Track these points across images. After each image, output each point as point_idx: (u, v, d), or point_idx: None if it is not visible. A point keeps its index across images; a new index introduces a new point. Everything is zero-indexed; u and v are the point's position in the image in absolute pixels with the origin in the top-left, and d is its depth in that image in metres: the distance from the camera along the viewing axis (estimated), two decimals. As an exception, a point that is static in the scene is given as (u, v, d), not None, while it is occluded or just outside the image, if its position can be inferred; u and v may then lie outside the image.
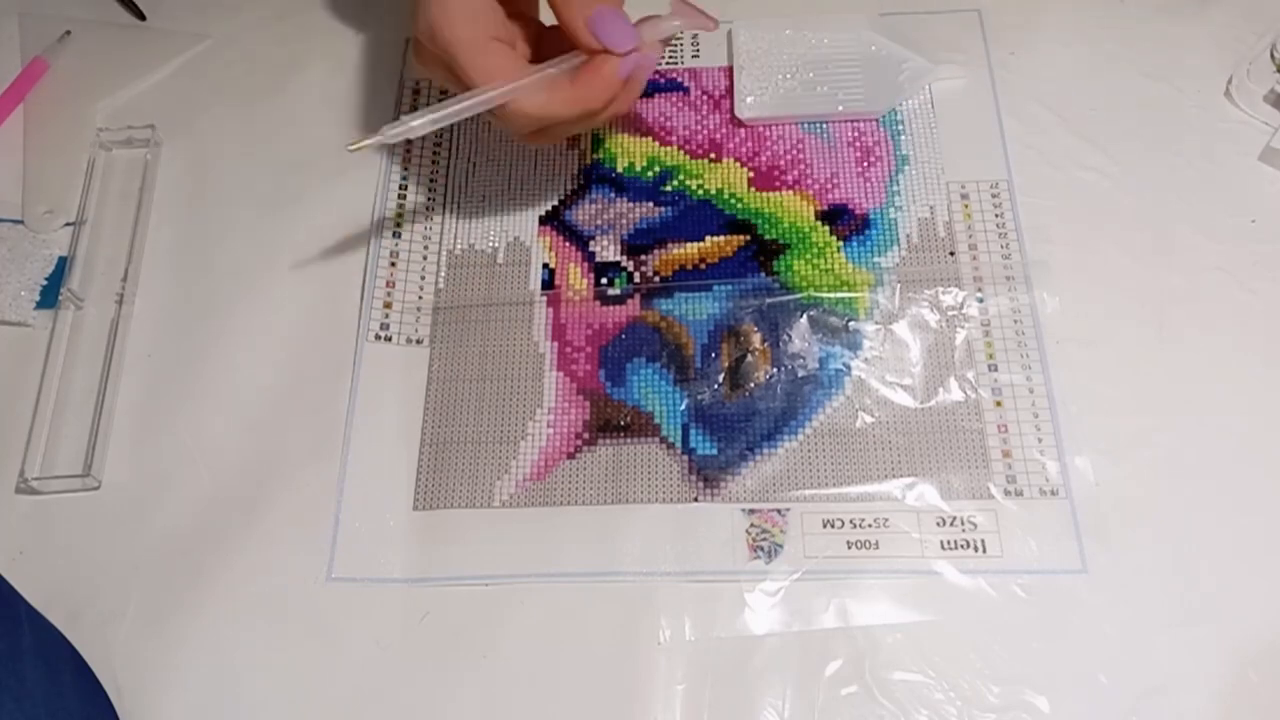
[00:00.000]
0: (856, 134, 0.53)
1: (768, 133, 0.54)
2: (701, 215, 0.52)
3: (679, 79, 0.56)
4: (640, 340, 0.49)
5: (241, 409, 0.48)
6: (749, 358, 0.48)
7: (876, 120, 0.53)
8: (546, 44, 0.46)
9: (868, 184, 0.52)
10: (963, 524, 0.44)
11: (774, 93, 0.54)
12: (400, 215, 0.52)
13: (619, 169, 0.53)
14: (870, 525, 0.44)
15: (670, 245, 0.51)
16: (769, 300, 0.49)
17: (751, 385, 0.47)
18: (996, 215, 0.51)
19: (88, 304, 0.51)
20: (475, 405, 0.48)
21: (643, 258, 0.51)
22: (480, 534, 0.45)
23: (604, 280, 0.50)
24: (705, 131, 0.54)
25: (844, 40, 0.55)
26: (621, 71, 0.43)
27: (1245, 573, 0.42)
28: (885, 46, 0.54)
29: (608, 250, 0.51)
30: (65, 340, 0.50)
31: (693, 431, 0.47)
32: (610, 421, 0.47)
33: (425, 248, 0.52)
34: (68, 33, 0.58)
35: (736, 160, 0.53)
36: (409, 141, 0.54)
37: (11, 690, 0.37)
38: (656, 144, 0.54)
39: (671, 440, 0.46)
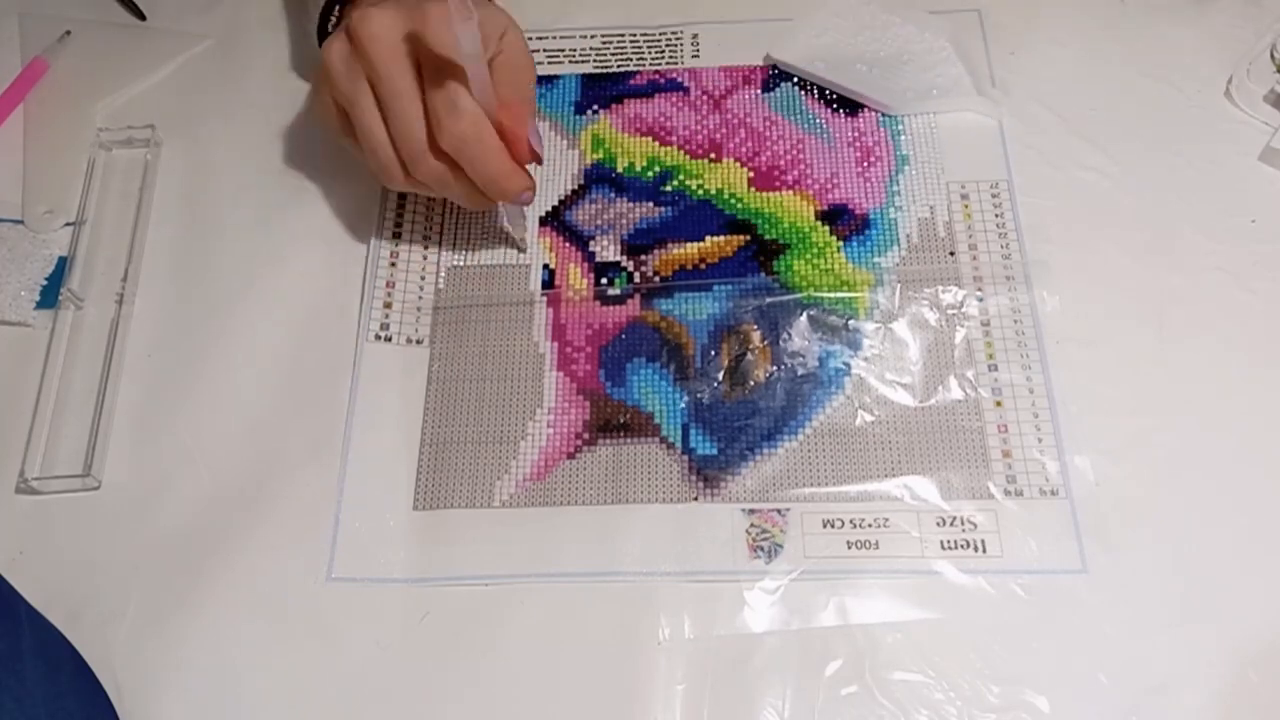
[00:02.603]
0: (856, 134, 0.53)
1: (768, 132, 0.54)
2: (701, 215, 0.52)
3: (679, 79, 0.56)
4: (640, 340, 0.49)
5: (241, 409, 0.48)
6: (749, 357, 0.48)
7: (876, 119, 0.53)
8: None
9: (868, 184, 0.52)
10: (963, 524, 0.44)
11: (813, 47, 0.54)
12: (400, 215, 0.52)
13: (619, 169, 0.53)
14: (870, 525, 0.44)
15: (670, 245, 0.51)
16: (769, 300, 0.49)
17: (751, 385, 0.47)
18: (996, 215, 0.51)
19: (88, 304, 0.51)
20: (475, 405, 0.48)
21: (643, 258, 0.51)
22: (480, 534, 0.45)
23: (604, 280, 0.50)
24: (705, 131, 0.54)
25: (914, 33, 0.55)
26: (524, 195, 0.46)
27: (1245, 573, 0.42)
28: (948, 56, 0.54)
29: (608, 250, 0.51)
30: (65, 340, 0.50)
31: (693, 431, 0.47)
32: (610, 421, 0.47)
33: (425, 248, 0.52)
34: (68, 33, 0.58)
35: (736, 160, 0.53)
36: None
37: (11, 690, 0.37)
38: (656, 144, 0.54)
39: (671, 440, 0.46)
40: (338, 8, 0.50)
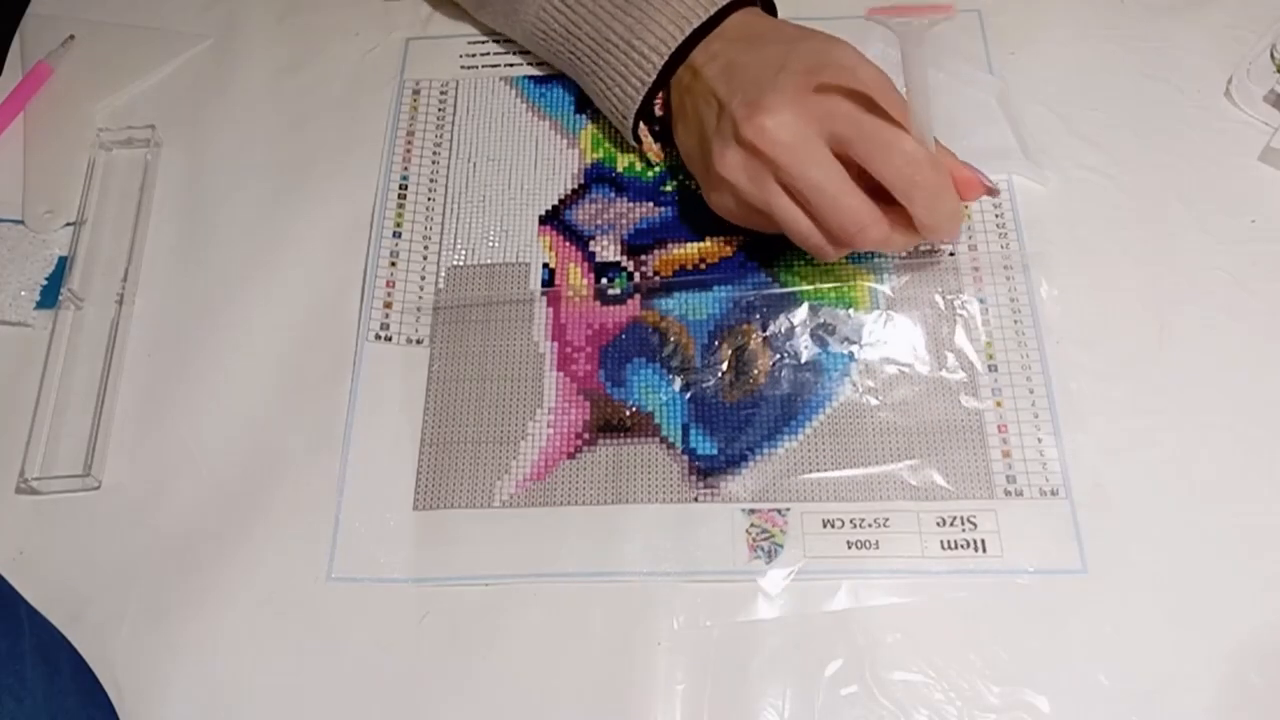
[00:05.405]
0: (856, 134, 0.53)
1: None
2: (701, 215, 0.52)
3: (679, 79, 0.56)
4: (640, 340, 0.49)
5: (242, 409, 0.48)
6: (749, 357, 0.48)
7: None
8: None
9: (868, 184, 0.52)
10: (963, 524, 0.44)
11: None
12: (400, 215, 0.52)
13: (619, 169, 0.53)
14: (870, 525, 0.44)
15: (670, 245, 0.51)
16: (769, 300, 0.49)
17: (751, 385, 0.47)
18: (996, 215, 0.51)
19: (88, 304, 0.51)
20: (475, 405, 0.48)
21: (643, 257, 0.51)
22: (480, 534, 0.45)
23: (604, 280, 0.50)
24: (705, 131, 0.54)
25: (960, 92, 0.53)
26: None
27: (1245, 573, 0.42)
28: (996, 117, 0.52)
29: (608, 250, 0.51)
30: (65, 340, 0.50)
31: (693, 431, 0.47)
32: (610, 421, 0.47)
33: (425, 248, 0.52)
34: (71, 37, 0.58)
35: (736, 160, 0.53)
36: (409, 141, 0.54)
37: (12, 690, 0.37)
38: (656, 144, 0.54)
39: (671, 440, 0.46)
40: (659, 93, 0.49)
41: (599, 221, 0.52)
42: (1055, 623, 0.42)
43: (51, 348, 0.50)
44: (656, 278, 0.50)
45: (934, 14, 0.37)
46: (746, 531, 0.44)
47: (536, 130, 0.55)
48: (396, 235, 0.52)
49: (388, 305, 0.50)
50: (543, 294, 0.50)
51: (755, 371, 0.48)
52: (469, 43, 0.58)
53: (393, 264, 0.51)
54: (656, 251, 0.51)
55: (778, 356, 0.48)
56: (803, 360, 0.47)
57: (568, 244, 0.52)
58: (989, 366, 0.47)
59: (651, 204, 0.52)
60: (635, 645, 0.42)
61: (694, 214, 0.52)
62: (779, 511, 0.45)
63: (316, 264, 0.52)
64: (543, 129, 0.55)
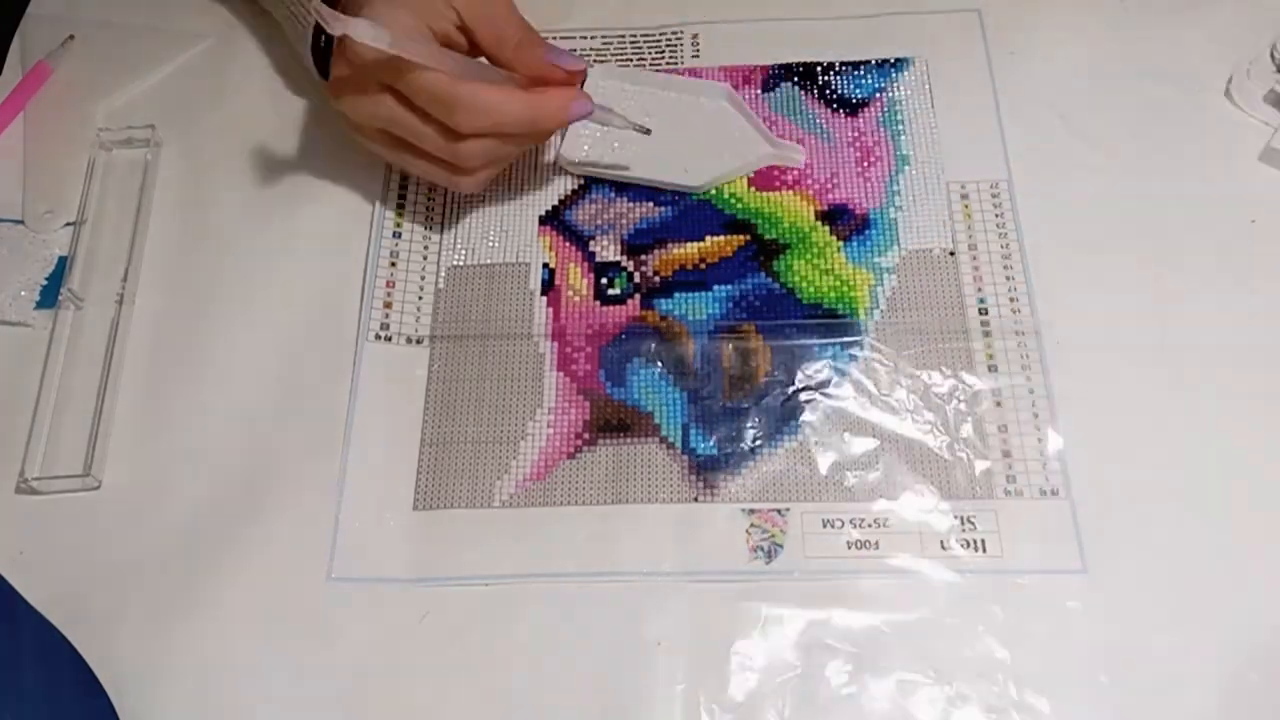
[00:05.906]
0: (856, 134, 0.53)
1: (768, 132, 0.53)
2: (701, 215, 0.52)
3: (679, 79, 0.56)
4: (640, 340, 0.49)
5: (241, 409, 0.48)
6: (749, 357, 0.48)
7: (876, 119, 0.53)
8: None
9: (868, 184, 0.52)
10: (963, 524, 0.44)
11: (604, 142, 0.52)
12: (400, 215, 0.52)
13: (619, 169, 0.53)
14: (870, 525, 0.44)
15: (670, 245, 0.51)
16: (769, 300, 0.49)
17: (751, 385, 0.47)
18: (996, 215, 0.51)
19: (88, 304, 0.51)
20: (475, 405, 0.48)
21: (643, 258, 0.51)
22: (480, 534, 0.45)
23: (604, 280, 0.50)
24: (705, 131, 0.54)
25: (696, 105, 0.53)
26: (575, 109, 0.46)
27: (1245, 572, 0.42)
28: (736, 123, 0.52)
29: (608, 250, 0.51)
30: (65, 340, 0.50)
31: (693, 431, 0.47)
32: (610, 421, 0.47)
33: (425, 248, 0.52)
34: (71, 37, 0.58)
35: (736, 160, 0.53)
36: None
37: (12, 690, 0.37)
38: (656, 144, 0.54)
39: (671, 440, 0.46)
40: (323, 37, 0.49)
41: (599, 221, 0.52)
42: (1055, 623, 0.42)
43: (51, 348, 0.50)
44: (656, 278, 0.50)
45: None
46: (746, 532, 0.44)
47: (536, 130, 0.55)
48: (396, 235, 0.52)
49: (388, 305, 0.50)
50: (543, 294, 0.50)
51: (755, 371, 0.48)
52: (469, 43, 0.58)
53: (393, 264, 0.51)
54: (656, 251, 0.51)
55: (774, 368, 0.48)
56: (803, 359, 0.47)
57: (568, 244, 0.52)
58: (989, 367, 0.47)
59: (651, 204, 0.52)
60: (635, 645, 0.42)
61: (694, 214, 0.52)
62: (779, 511, 0.45)
63: (316, 264, 0.52)
64: (543, 129, 0.55)
